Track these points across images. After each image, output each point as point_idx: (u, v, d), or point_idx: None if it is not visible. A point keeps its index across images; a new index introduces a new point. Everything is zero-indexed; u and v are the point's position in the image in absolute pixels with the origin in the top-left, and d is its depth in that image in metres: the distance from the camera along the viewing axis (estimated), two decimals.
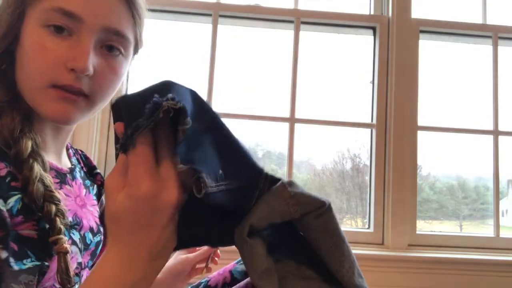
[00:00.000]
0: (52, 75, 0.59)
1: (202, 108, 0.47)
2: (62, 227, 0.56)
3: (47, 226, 0.56)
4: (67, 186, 0.68)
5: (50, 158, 0.66)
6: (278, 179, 0.48)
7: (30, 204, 0.55)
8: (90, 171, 0.82)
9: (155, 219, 0.41)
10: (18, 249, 0.53)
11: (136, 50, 0.70)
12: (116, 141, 0.45)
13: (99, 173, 0.83)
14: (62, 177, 0.68)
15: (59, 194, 0.59)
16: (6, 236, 0.51)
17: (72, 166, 0.73)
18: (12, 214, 0.53)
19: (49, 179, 0.58)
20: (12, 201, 0.54)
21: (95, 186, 0.79)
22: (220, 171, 0.44)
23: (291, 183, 0.48)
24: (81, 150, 0.84)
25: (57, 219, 0.56)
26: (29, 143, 0.58)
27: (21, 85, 0.62)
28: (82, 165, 0.80)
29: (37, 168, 0.56)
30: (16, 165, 0.56)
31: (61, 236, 0.55)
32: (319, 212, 0.47)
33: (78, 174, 0.74)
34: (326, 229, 0.48)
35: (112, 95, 0.67)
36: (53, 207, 0.56)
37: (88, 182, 0.76)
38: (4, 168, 0.56)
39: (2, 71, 0.63)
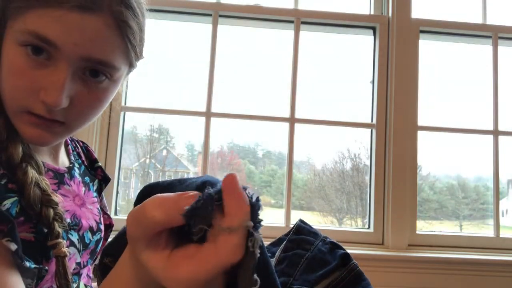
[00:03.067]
0: (25, 102, 0.55)
1: None
2: (60, 231, 0.55)
3: (45, 229, 0.55)
4: (66, 186, 0.67)
5: (46, 159, 0.65)
6: None
7: (28, 208, 0.54)
8: (91, 165, 0.81)
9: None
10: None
11: (132, 67, 0.64)
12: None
13: (100, 167, 0.82)
14: (59, 177, 0.67)
15: (57, 196, 0.58)
16: (12, 228, 0.51)
17: (71, 165, 0.72)
18: (12, 216, 0.53)
19: (45, 182, 0.57)
20: (8, 203, 0.53)
21: (96, 181, 0.79)
22: None
23: None
24: (82, 142, 0.83)
25: (55, 223, 0.55)
26: (19, 148, 0.56)
27: (3, 102, 0.59)
28: (83, 158, 0.79)
29: (31, 172, 0.55)
30: (10, 170, 0.55)
31: (60, 240, 0.55)
32: None
33: (77, 171, 0.73)
34: None
35: (97, 116, 0.63)
36: (51, 211, 0.55)
37: (87, 178, 0.76)
38: None
39: None
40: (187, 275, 0.33)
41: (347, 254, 0.64)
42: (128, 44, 0.58)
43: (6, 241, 0.50)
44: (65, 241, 0.56)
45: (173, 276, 0.33)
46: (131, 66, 0.63)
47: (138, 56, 0.63)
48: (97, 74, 0.57)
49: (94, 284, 0.72)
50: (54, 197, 0.56)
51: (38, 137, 0.58)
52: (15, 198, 0.54)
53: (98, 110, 0.61)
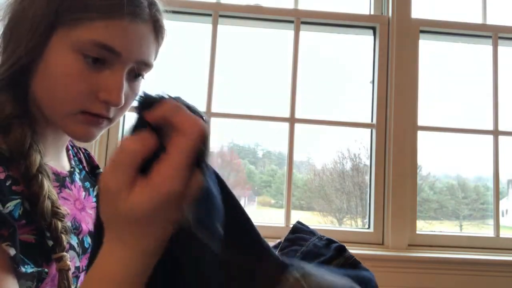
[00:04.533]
0: (83, 104, 0.60)
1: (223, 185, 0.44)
2: (66, 245, 0.57)
3: (48, 234, 0.56)
4: (67, 190, 0.68)
5: (49, 161, 0.66)
6: (288, 265, 0.43)
7: (40, 221, 0.55)
8: (92, 171, 0.82)
9: (172, 215, 0.39)
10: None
11: None
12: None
13: (101, 173, 0.82)
14: (61, 180, 0.67)
15: (63, 209, 0.59)
16: (13, 233, 0.51)
17: (72, 169, 0.73)
18: (14, 219, 0.53)
19: (55, 194, 0.58)
20: (11, 205, 0.54)
21: (97, 187, 0.79)
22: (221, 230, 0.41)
23: (305, 275, 0.43)
24: (84, 149, 0.84)
25: (63, 236, 0.56)
26: (38, 158, 0.58)
27: (42, 103, 0.61)
28: (84, 164, 0.80)
29: (46, 183, 0.57)
30: (25, 180, 0.56)
31: (65, 253, 0.56)
32: None
33: (78, 176, 0.74)
34: None
35: None
36: (59, 224, 0.56)
37: (88, 184, 0.76)
38: (3, 172, 0.55)
39: (15, 83, 0.61)
40: (138, 205, 0.37)
41: (343, 246, 0.64)
42: (160, 43, 0.69)
43: (6, 246, 0.50)
44: (68, 254, 0.57)
45: (128, 206, 0.37)
46: None
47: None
48: (137, 76, 0.65)
49: None
50: (62, 209, 0.58)
51: (88, 134, 0.62)
52: (18, 201, 0.54)
53: (133, 102, 0.68)
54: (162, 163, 0.37)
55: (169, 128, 0.37)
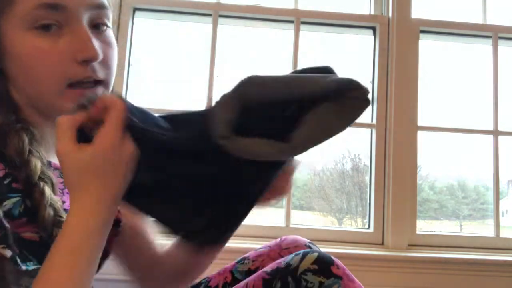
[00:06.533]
0: (65, 75, 0.57)
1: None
2: None
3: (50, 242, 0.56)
4: None
5: (54, 158, 0.66)
6: None
7: (40, 229, 0.55)
8: None
9: (118, 168, 0.50)
10: (19, 252, 0.53)
11: (110, 8, 0.68)
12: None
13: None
14: None
15: (64, 215, 0.58)
16: (5, 234, 0.51)
17: None
18: (14, 216, 0.53)
19: (58, 202, 0.57)
20: (9, 203, 0.53)
21: None
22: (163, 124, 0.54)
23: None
24: None
25: None
26: (39, 164, 0.57)
27: (29, 96, 0.60)
28: None
29: (48, 192, 0.56)
30: (27, 189, 0.55)
31: None
32: None
33: None
34: None
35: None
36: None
37: None
38: (3, 169, 0.55)
39: None
40: (87, 157, 0.48)
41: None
42: None
43: (1, 249, 0.50)
44: None
45: (78, 162, 0.49)
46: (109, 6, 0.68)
47: None
48: (99, 26, 0.61)
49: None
50: (65, 217, 0.57)
51: None
52: (18, 198, 0.54)
53: (116, 59, 0.66)
54: (100, 129, 0.49)
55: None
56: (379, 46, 1.65)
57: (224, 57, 1.66)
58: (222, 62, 1.64)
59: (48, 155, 0.64)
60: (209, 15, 1.63)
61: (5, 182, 0.54)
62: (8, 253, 0.50)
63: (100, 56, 0.58)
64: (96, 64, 0.59)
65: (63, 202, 0.64)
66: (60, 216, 0.56)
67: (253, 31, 1.75)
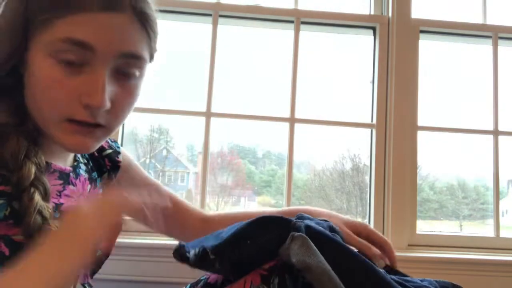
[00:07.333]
0: (66, 111, 0.57)
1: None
2: None
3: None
4: (71, 186, 0.67)
5: (55, 159, 0.66)
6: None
7: (24, 233, 0.54)
8: (100, 153, 0.81)
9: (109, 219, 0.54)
10: (9, 254, 0.53)
11: (151, 59, 0.68)
12: None
13: (107, 155, 0.81)
14: (65, 177, 0.67)
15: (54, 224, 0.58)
16: None
17: (75, 163, 0.73)
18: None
19: (48, 210, 0.56)
20: None
21: (106, 174, 0.80)
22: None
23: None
24: None
25: None
26: (33, 169, 0.56)
27: (33, 113, 0.60)
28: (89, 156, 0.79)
29: (37, 198, 0.55)
30: (17, 192, 0.54)
31: None
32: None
33: (83, 168, 0.74)
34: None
35: (129, 115, 0.66)
36: None
37: (95, 174, 0.76)
38: None
39: (8, 92, 0.60)
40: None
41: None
42: (150, 34, 0.62)
43: None
44: None
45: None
46: (151, 58, 0.66)
47: (155, 48, 0.67)
48: (128, 72, 0.60)
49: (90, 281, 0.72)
50: (54, 227, 0.56)
51: (81, 144, 0.60)
52: (3, 201, 0.54)
53: (132, 107, 0.65)
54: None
55: None
56: (379, 46, 1.65)
57: (224, 57, 1.66)
58: (222, 62, 1.64)
59: (49, 157, 0.63)
60: (209, 15, 1.64)
61: None
62: None
63: (106, 106, 0.57)
64: (102, 112, 0.58)
65: (61, 204, 0.63)
66: (48, 224, 0.55)
67: (253, 31, 1.75)
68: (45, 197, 0.57)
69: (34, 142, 0.59)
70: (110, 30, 0.56)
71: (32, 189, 0.55)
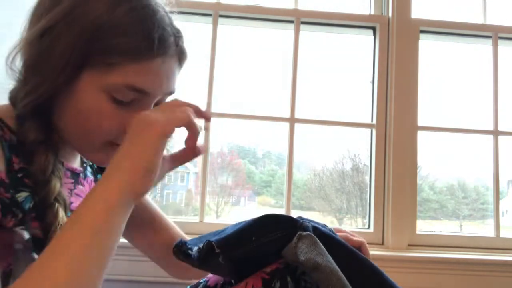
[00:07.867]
0: (110, 138, 0.62)
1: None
2: None
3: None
4: (80, 186, 0.71)
5: (66, 159, 0.68)
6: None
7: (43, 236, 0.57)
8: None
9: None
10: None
11: None
12: None
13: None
14: (76, 177, 0.70)
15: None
16: (24, 218, 0.54)
17: (84, 165, 0.76)
18: (25, 209, 0.55)
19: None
20: (22, 196, 0.56)
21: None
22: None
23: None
24: None
25: None
26: (58, 185, 0.59)
27: (66, 131, 0.62)
28: None
29: (61, 214, 0.58)
30: (41, 207, 0.57)
31: None
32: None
33: (90, 170, 0.77)
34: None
35: None
36: None
37: (99, 176, 0.78)
38: (18, 163, 0.57)
39: (42, 112, 0.61)
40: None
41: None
42: (180, 70, 0.70)
43: (21, 229, 0.53)
44: None
45: None
46: None
47: None
48: (160, 102, 0.66)
49: None
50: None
51: (104, 159, 0.64)
52: (28, 194, 0.57)
53: None
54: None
55: None
56: (379, 46, 1.65)
57: (224, 57, 1.66)
58: (222, 62, 1.64)
59: (62, 156, 0.65)
60: (209, 15, 1.64)
61: (19, 175, 0.57)
62: (26, 235, 0.52)
63: None
64: None
65: (71, 203, 0.66)
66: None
67: (253, 31, 1.75)
68: (65, 210, 0.60)
69: (57, 154, 0.62)
70: (163, 77, 0.62)
71: (57, 205, 0.58)
